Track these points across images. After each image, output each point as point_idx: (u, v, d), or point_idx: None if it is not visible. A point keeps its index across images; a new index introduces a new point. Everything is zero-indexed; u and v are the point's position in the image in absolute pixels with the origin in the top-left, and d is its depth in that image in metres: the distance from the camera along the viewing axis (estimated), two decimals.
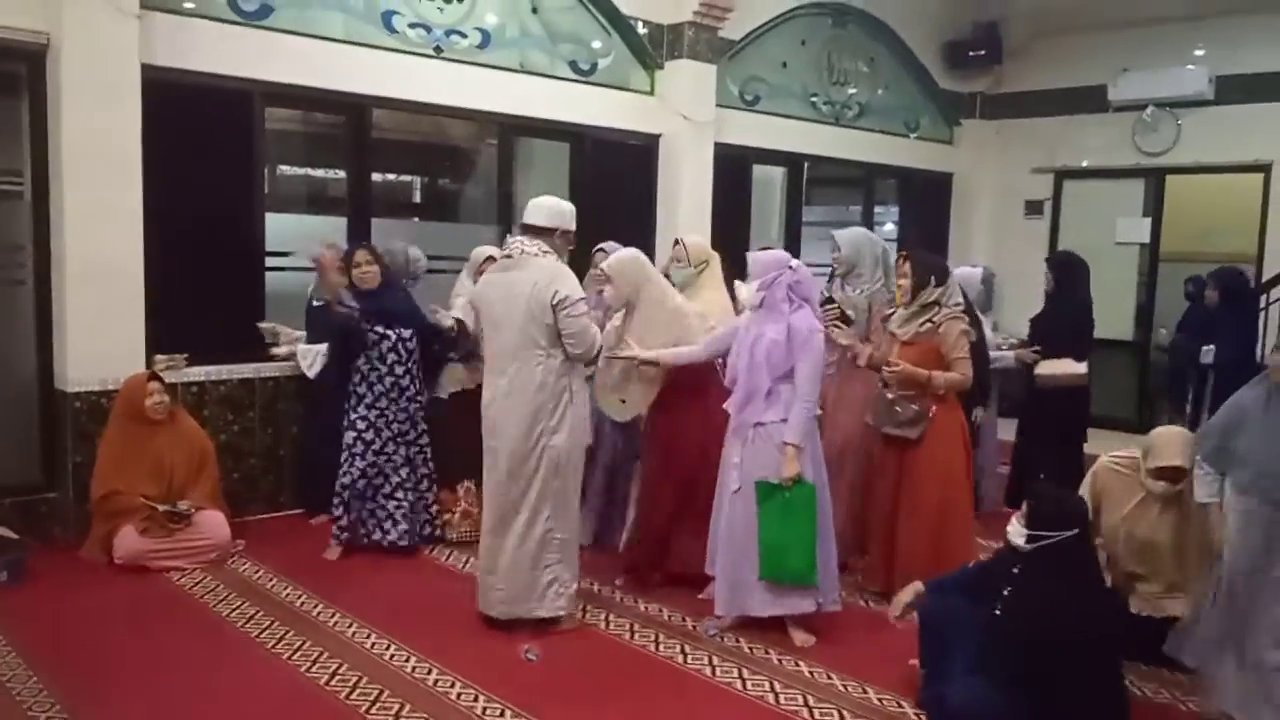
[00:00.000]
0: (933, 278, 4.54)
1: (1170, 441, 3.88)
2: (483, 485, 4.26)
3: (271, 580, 4.66)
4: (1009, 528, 3.33)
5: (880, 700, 3.64)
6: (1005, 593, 3.28)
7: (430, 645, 3.96)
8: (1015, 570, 3.30)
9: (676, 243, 4.85)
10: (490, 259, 5.17)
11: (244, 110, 5.51)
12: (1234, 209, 8.70)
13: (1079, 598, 3.18)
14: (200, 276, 5.35)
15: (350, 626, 4.15)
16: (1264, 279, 7.79)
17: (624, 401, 4.58)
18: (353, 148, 6.15)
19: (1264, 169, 8.33)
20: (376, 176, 6.75)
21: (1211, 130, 8.48)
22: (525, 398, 3.98)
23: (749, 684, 3.75)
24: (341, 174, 6.40)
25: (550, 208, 4.14)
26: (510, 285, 4.01)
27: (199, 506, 4.89)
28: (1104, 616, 3.26)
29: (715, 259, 4.83)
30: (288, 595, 4.48)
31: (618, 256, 4.57)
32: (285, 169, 7.77)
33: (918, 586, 3.68)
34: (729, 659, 3.95)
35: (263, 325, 5.56)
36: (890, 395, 4.52)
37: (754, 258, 4.32)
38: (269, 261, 5.72)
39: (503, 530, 4.07)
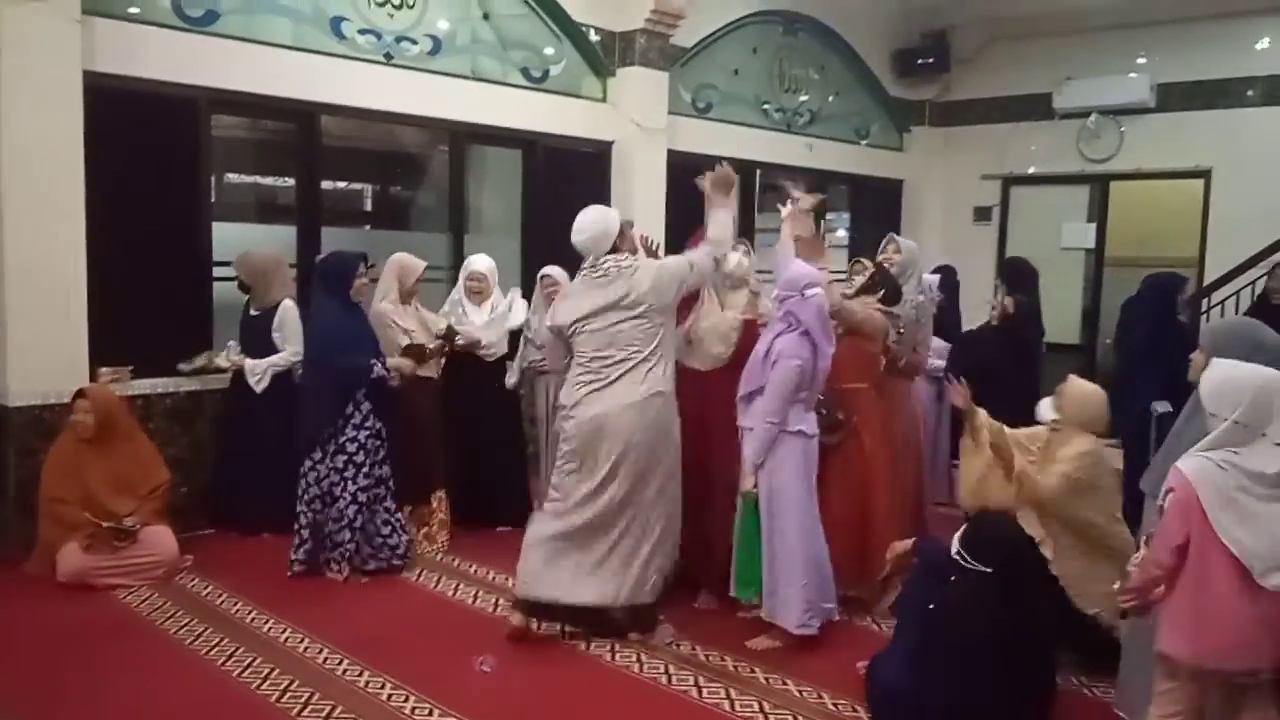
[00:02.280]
0: (883, 291, 4.67)
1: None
2: (570, 496, 4.11)
3: (222, 597, 4.58)
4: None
5: (835, 705, 3.66)
6: (941, 596, 3.43)
7: (384, 661, 3.91)
8: (952, 578, 3.44)
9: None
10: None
11: (190, 117, 5.43)
12: (1176, 214, 8.89)
13: (1003, 619, 3.27)
14: (146, 287, 5.25)
15: (302, 643, 4.08)
16: (1205, 283, 7.96)
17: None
18: (302, 155, 6.08)
19: (1204, 175, 8.53)
20: (327, 184, 6.68)
21: (1153, 137, 8.67)
22: (657, 406, 4.05)
23: (705, 692, 3.75)
24: (291, 182, 6.32)
25: (604, 231, 4.19)
26: (618, 295, 4.07)
27: (144, 522, 4.78)
28: (1030, 633, 3.35)
29: None
30: (238, 612, 4.41)
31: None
32: (233, 177, 7.66)
33: (905, 545, 3.89)
34: (685, 667, 3.95)
35: (187, 367, 5.41)
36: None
37: (788, 262, 4.20)
38: (216, 271, 5.63)
39: (604, 536, 4.07)
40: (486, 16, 6.63)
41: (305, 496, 4.85)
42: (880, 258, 5.26)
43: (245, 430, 5.40)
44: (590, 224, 4.20)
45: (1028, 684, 3.35)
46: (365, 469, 4.83)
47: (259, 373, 5.37)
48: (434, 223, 7.36)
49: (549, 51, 7.02)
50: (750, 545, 4.11)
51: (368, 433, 4.84)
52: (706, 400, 4.40)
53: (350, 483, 4.80)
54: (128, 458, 4.86)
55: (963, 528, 3.53)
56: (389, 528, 4.96)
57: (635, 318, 4.05)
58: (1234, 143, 8.27)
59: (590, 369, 4.09)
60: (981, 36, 9.54)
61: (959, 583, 3.44)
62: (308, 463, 4.85)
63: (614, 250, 4.18)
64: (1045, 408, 3.98)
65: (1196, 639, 2.65)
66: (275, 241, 5.91)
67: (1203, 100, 8.44)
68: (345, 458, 4.79)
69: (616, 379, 4.03)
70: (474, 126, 6.68)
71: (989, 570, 3.36)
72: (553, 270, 5.44)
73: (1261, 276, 7.11)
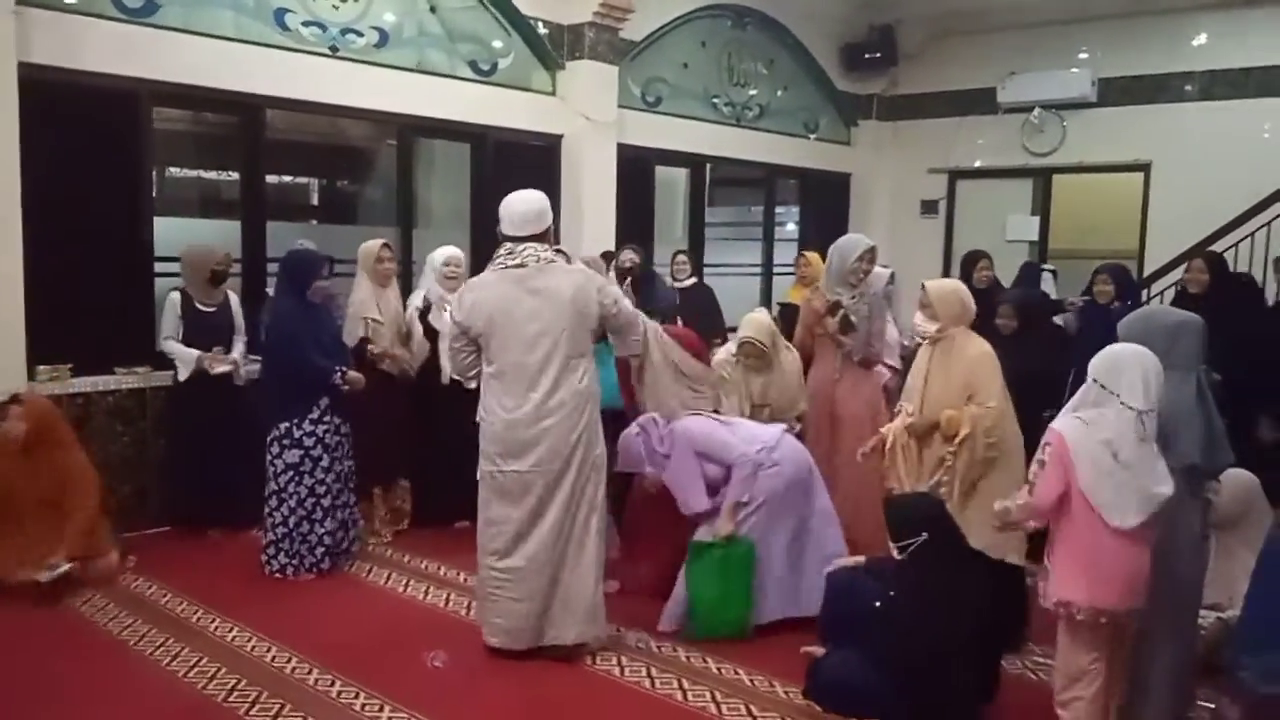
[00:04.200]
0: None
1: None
2: (493, 518, 3.89)
3: (166, 597, 4.50)
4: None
5: (787, 693, 3.69)
6: (890, 594, 3.47)
7: (332, 658, 3.88)
8: (898, 573, 3.47)
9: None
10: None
11: (130, 110, 5.32)
12: (1117, 207, 9.06)
13: (944, 593, 3.32)
14: (86, 283, 5.14)
15: (250, 641, 4.03)
16: (1144, 275, 8.12)
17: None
18: (246, 149, 5.98)
19: (1144, 168, 8.70)
20: (272, 178, 6.61)
21: (1095, 131, 8.82)
22: (571, 409, 3.81)
23: (657, 683, 3.76)
24: (235, 176, 6.22)
25: (539, 210, 3.93)
26: (542, 294, 3.81)
27: (79, 557, 4.50)
28: (971, 617, 3.36)
29: None
30: (183, 612, 4.33)
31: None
32: (175, 171, 7.54)
33: (859, 560, 3.90)
34: (637, 659, 3.97)
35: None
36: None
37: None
38: (158, 267, 5.53)
39: (546, 556, 3.83)
40: (433, 9, 6.57)
41: (267, 494, 4.81)
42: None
43: (191, 427, 5.31)
44: (526, 198, 3.92)
45: (979, 664, 3.39)
46: (324, 464, 4.78)
47: (189, 361, 5.21)
48: (382, 217, 7.31)
49: (497, 44, 6.98)
50: (738, 588, 4.09)
51: (326, 428, 4.79)
52: None
53: (307, 476, 4.75)
54: (59, 473, 4.58)
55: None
56: (342, 528, 4.92)
57: (556, 316, 3.79)
58: (1173, 137, 8.44)
59: (509, 373, 3.81)
60: (928, 31, 9.64)
61: (905, 570, 3.45)
62: (267, 459, 4.80)
63: (540, 239, 3.91)
64: (920, 321, 3.99)
65: (1089, 585, 2.97)
66: (219, 237, 5.81)
67: (1142, 95, 8.60)
68: (300, 452, 4.74)
69: (542, 382, 3.78)
70: (422, 120, 6.62)
71: (924, 538, 3.36)
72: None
73: None
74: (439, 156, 7.27)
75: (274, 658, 3.88)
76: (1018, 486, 3.36)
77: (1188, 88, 8.44)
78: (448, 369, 5.21)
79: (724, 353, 5.07)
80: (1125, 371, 2.98)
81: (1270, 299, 6.38)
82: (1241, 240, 7.27)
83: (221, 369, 5.26)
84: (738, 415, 4.60)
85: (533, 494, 3.82)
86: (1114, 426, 2.94)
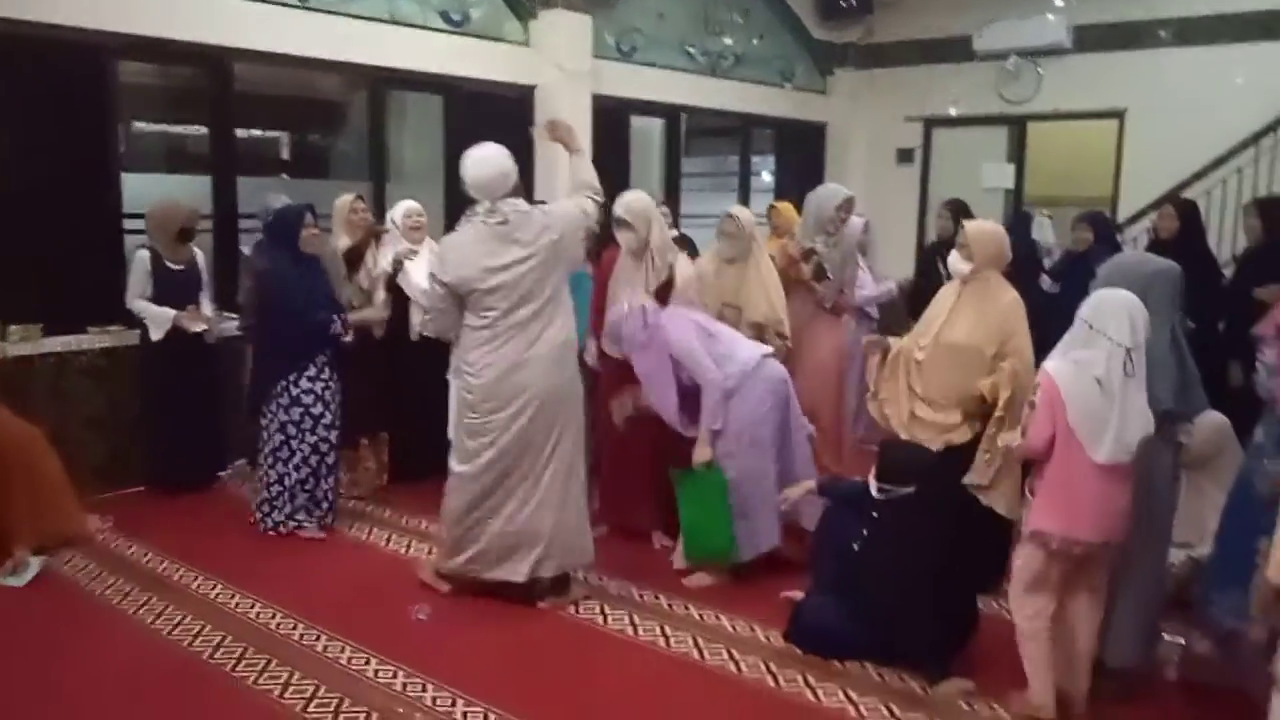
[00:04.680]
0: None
1: None
2: (480, 465, 3.91)
3: (147, 556, 4.50)
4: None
5: (768, 638, 3.74)
6: (865, 533, 3.56)
7: (319, 614, 3.90)
8: (874, 515, 3.57)
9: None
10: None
11: (94, 64, 5.21)
12: (1092, 155, 9.07)
13: (923, 548, 3.43)
14: (54, 241, 5.07)
15: (234, 598, 4.05)
16: (1119, 221, 8.15)
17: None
18: (214, 103, 5.89)
19: (1119, 115, 8.68)
20: (241, 133, 6.49)
21: (1070, 78, 8.79)
22: (558, 355, 3.91)
23: (640, 630, 3.81)
24: (203, 130, 6.11)
25: (502, 171, 3.87)
26: (528, 245, 3.84)
27: (44, 548, 4.35)
28: (946, 565, 3.47)
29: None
30: (165, 571, 4.33)
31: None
32: (142, 125, 7.41)
33: (809, 485, 3.97)
34: (620, 606, 4.01)
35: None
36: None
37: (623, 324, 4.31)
38: (127, 224, 5.45)
39: (534, 491, 3.91)
40: None
41: (264, 451, 4.78)
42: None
43: (164, 387, 5.26)
44: (487, 161, 3.86)
45: (952, 606, 3.47)
46: (325, 421, 4.77)
47: (161, 320, 5.16)
48: (354, 171, 7.22)
49: None
50: (718, 514, 4.12)
51: (324, 384, 4.77)
52: None
53: (309, 434, 4.73)
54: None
55: (875, 463, 3.63)
56: (328, 486, 4.88)
57: (543, 264, 3.85)
58: (1148, 84, 8.41)
59: (500, 326, 3.84)
60: None
61: (882, 515, 3.53)
62: (264, 419, 4.76)
63: (513, 194, 3.94)
64: (955, 260, 4.04)
65: (1066, 517, 3.07)
66: (189, 192, 5.73)
67: (1118, 42, 8.56)
68: (301, 410, 4.72)
69: (529, 331, 3.84)
70: (393, 71, 6.53)
71: (911, 491, 3.47)
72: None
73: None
74: (411, 109, 7.18)
75: (258, 614, 3.90)
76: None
77: (1162, 34, 8.40)
78: (416, 326, 5.25)
79: (706, 257, 5.07)
80: (1113, 312, 3.04)
81: (1242, 244, 6.41)
82: (1214, 187, 7.31)
83: (198, 328, 5.21)
84: (712, 314, 4.59)
85: (524, 439, 3.87)
86: (1104, 364, 2.99)
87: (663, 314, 4.29)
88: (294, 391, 4.71)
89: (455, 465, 4.00)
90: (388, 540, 4.78)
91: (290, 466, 4.74)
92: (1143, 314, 3.04)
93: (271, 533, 4.76)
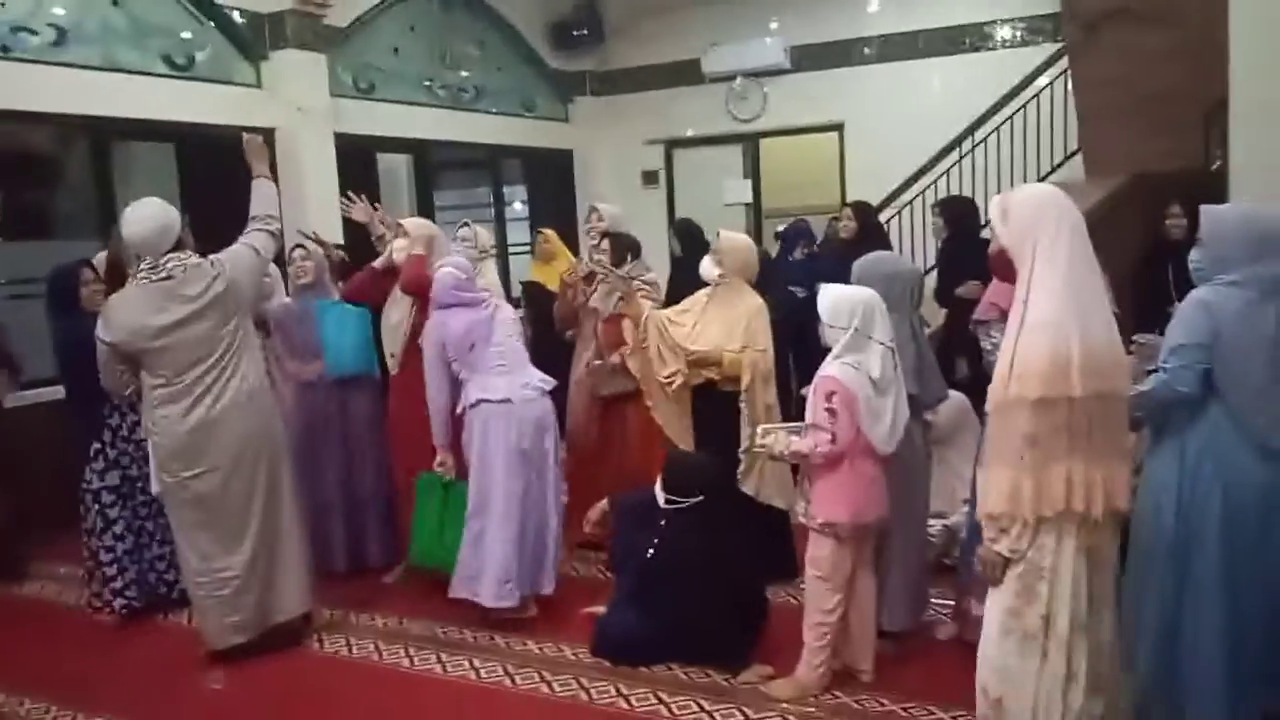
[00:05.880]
0: (629, 254, 4.86)
1: None
2: (196, 526, 3.79)
3: None
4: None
5: (576, 655, 3.80)
6: (656, 541, 3.68)
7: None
8: (663, 523, 3.70)
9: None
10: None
11: None
12: (819, 166, 9.75)
13: (712, 550, 3.59)
14: None
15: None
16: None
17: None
18: None
19: (838, 128, 9.41)
20: None
21: (792, 96, 9.43)
22: (246, 401, 3.79)
23: (449, 667, 3.78)
24: None
25: (160, 227, 3.74)
26: (197, 299, 3.71)
27: None
28: (736, 566, 3.66)
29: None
30: None
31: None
32: None
33: (603, 505, 4.00)
34: (426, 646, 3.96)
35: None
36: (613, 360, 4.72)
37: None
38: None
39: (260, 541, 3.84)
40: (116, 2, 6.10)
41: (87, 524, 4.38)
42: (586, 228, 5.41)
43: None
44: (146, 218, 3.73)
45: (743, 601, 3.65)
46: (141, 485, 4.35)
47: None
48: (80, 229, 6.71)
49: (190, 36, 6.58)
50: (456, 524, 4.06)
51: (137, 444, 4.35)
52: None
53: (128, 500, 4.37)
54: None
55: (660, 475, 3.77)
56: (164, 560, 4.46)
57: (216, 316, 3.74)
58: (860, 98, 9.15)
59: (177, 386, 3.70)
60: (631, 6, 9.90)
61: (670, 523, 3.68)
62: (83, 486, 4.35)
63: (177, 247, 3.78)
64: (707, 265, 4.24)
65: (851, 504, 3.28)
66: None
67: (831, 60, 9.27)
68: (119, 473, 4.36)
69: (212, 390, 3.72)
70: (116, 121, 6.15)
71: (698, 499, 3.63)
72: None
73: (893, 217, 7.94)
74: (142, 159, 6.77)
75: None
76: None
77: (867, 51, 9.19)
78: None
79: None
80: (872, 314, 3.29)
81: (933, 241, 6.78)
82: (927, 189, 8.03)
83: None
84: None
85: (230, 490, 3.79)
86: (878, 365, 3.25)
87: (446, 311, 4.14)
88: (110, 454, 4.35)
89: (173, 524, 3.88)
90: None
91: (109, 539, 4.35)
92: (884, 309, 3.33)
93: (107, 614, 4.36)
